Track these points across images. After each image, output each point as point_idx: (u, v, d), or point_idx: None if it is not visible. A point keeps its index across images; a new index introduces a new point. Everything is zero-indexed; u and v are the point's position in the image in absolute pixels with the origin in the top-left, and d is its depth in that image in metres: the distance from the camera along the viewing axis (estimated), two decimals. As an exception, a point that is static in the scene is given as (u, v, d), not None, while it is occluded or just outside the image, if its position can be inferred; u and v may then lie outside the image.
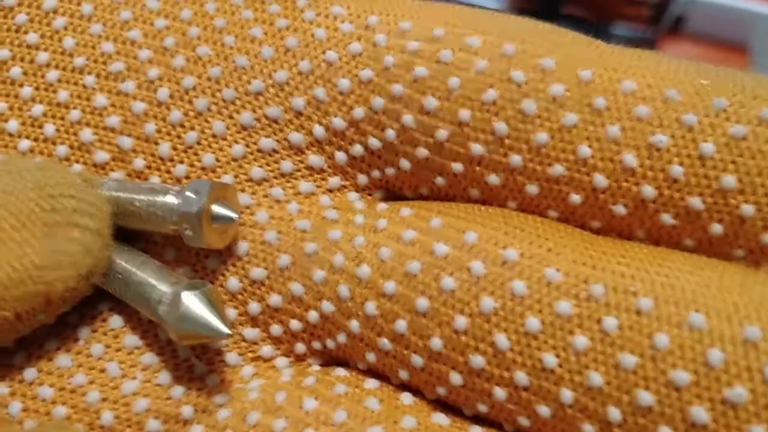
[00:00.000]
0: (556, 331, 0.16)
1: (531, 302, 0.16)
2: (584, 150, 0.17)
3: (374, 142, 0.19)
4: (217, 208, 0.18)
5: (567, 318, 0.16)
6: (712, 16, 0.49)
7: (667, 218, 0.17)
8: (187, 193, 0.18)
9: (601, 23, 0.48)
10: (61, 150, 0.20)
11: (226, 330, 0.17)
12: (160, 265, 0.19)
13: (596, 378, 0.16)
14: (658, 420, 0.15)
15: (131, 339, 0.19)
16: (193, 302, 0.17)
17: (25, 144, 0.20)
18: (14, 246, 0.17)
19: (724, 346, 0.15)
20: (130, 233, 0.19)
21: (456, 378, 0.17)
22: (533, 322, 0.16)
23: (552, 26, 0.19)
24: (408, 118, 0.18)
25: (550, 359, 0.16)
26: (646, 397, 0.15)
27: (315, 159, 0.19)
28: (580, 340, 0.16)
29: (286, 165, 0.19)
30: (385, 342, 0.18)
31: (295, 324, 0.19)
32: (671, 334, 0.15)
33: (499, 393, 0.17)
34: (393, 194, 0.20)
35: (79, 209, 0.18)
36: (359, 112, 0.19)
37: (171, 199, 0.18)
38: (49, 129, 0.20)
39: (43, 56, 0.20)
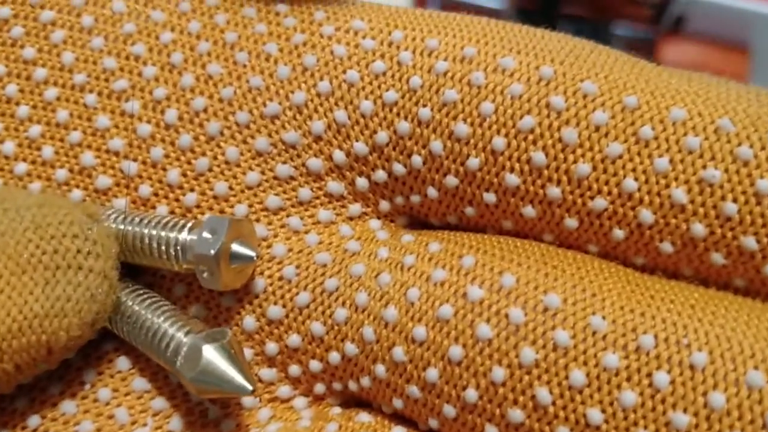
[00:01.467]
0: (603, 385, 0.15)
1: (575, 354, 0.15)
2: (630, 183, 0.16)
3: (399, 168, 0.18)
4: (235, 248, 0.17)
5: (614, 371, 0.15)
6: (712, 16, 0.48)
7: (717, 258, 0.16)
8: (204, 234, 0.16)
9: (601, 23, 0.47)
10: (61, 174, 0.18)
11: (249, 387, 0.16)
12: (173, 308, 0.17)
13: None
14: None
15: (140, 382, 0.18)
16: (213, 356, 0.16)
17: (22, 167, 0.19)
18: (14, 294, 0.16)
19: None
20: (135, 267, 0.18)
21: (490, 430, 0.16)
22: (578, 376, 0.15)
23: (592, 44, 0.18)
24: (437, 145, 0.17)
25: (595, 415, 0.15)
26: None
27: (335, 186, 0.18)
28: (629, 396, 0.15)
29: (304, 192, 0.18)
30: (414, 390, 0.16)
31: (315, 365, 0.18)
32: (728, 394, 0.14)
33: None
34: (417, 221, 0.19)
35: (83, 250, 0.17)
36: (383, 136, 0.18)
37: (185, 236, 0.17)
38: (48, 151, 0.19)
39: (40, 72, 0.19)
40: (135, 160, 0.18)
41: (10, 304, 0.16)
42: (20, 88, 0.19)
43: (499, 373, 0.16)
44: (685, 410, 0.14)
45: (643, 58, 0.18)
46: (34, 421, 0.17)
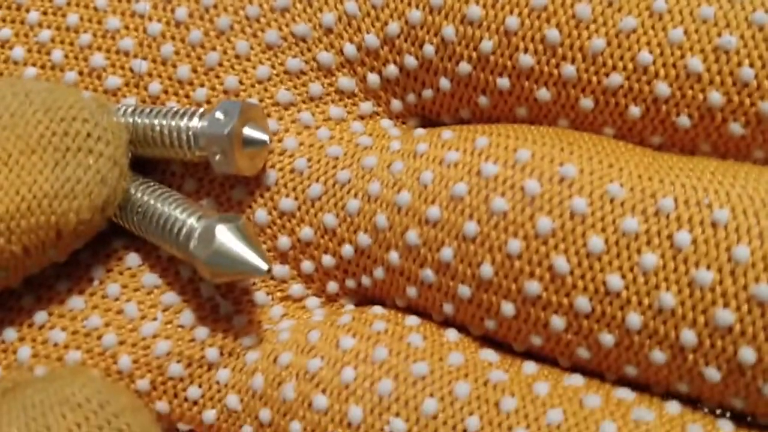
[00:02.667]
0: (622, 250, 0.15)
1: (593, 221, 0.15)
2: (645, 56, 0.16)
3: (410, 61, 0.17)
4: (248, 131, 0.16)
5: (634, 236, 0.14)
6: None
7: (736, 127, 0.15)
8: (216, 114, 0.16)
9: None
10: (70, 76, 0.18)
11: (264, 266, 0.16)
12: (183, 197, 0.17)
13: (668, 299, 0.14)
14: (739, 340, 0.14)
15: (150, 277, 0.17)
16: (227, 237, 0.16)
17: (31, 71, 0.19)
18: (23, 173, 0.16)
19: None
20: (144, 164, 0.18)
21: (508, 308, 0.15)
22: (596, 242, 0.15)
23: None
24: (449, 30, 0.17)
25: (615, 281, 0.14)
26: (725, 316, 0.14)
27: (345, 81, 0.18)
28: (649, 259, 0.14)
29: (315, 88, 0.18)
30: (428, 273, 0.16)
31: (327, 260, 0.17)
32: (752, 246, 0.14)
33: (557, 322, 0.15)
34: (429, 121, 0.18)
35: (93, 134, 0.16)
36: (394, 27, 0.17)
37: (196, 122, 0.17)
38: (57, 55, 0.18)
39: None
40: (145, 58, 0.18)
41: (19, 183, 0.16)
42: None
43: (514, 245, 0.15)
44: (708, 267, 0.14)
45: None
46: (40, 317, 0.17)
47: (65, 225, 0.16)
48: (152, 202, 0.17)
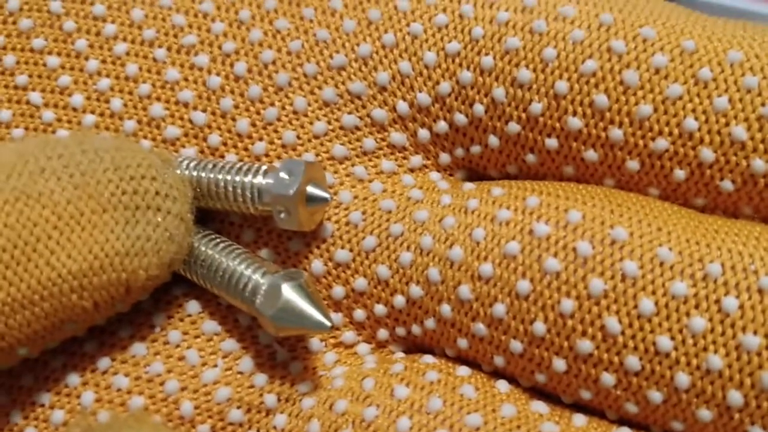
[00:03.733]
0: (672, 313, 0.15)
1: (644, 283, 0.16)
2: (690, 123, 0.16)
3: (460, 118, 0.18)
4: (311, 189, 0.17)
5: (683, 299, 0.15)
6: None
7: None
8: (281, 174, 0.17)
9: None
10: (129, 125, 0.19)
11: (329, 323, 0.16)
12: (246, 251, 0.18)
13: (716, 361, 0.15)
14: None
15: (210, 325, 0.18)
16: (292, 295, 0.16)
17: (90, 119, 0.19)
18: (95, 232, 0.16)
19: None
20: (204, 214, 0.19)
21: (560, 364, 0.16)
22: (647, 304, 0.15)
23: None
24: (499, 92, 0.18)
25: (665, 342, 0.15)
26: None
27: (397, 136, 0.19)
28: (698, 322, 0.15)
29: (369, 143, 0.19)
30: (480, 327, 0.17)
31: (380, 309, 0.18)
32: None
33: (608, 379, 0.16)
34: (476, 174, 0.19)
35: (161, 192, 0.17)
36: (446, 86, 0.18)
37: (261, 180, 0.17)
38: (117, 103, 0.19)
39: (110, 28, 0.20)
40: (204, 111, 0.19)
41: (92, 242, 0.16)
42: (90, 43, 0.20)
43: (567, 304, 0.16)
44: (755, 332, 0.15)
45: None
46: (104, 363, 0.18)
47: (134, 281, 0.17)
48: (216, 255, 0.18)
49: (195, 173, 0.18)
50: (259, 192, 0.17)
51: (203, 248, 0.18)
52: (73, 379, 0.18)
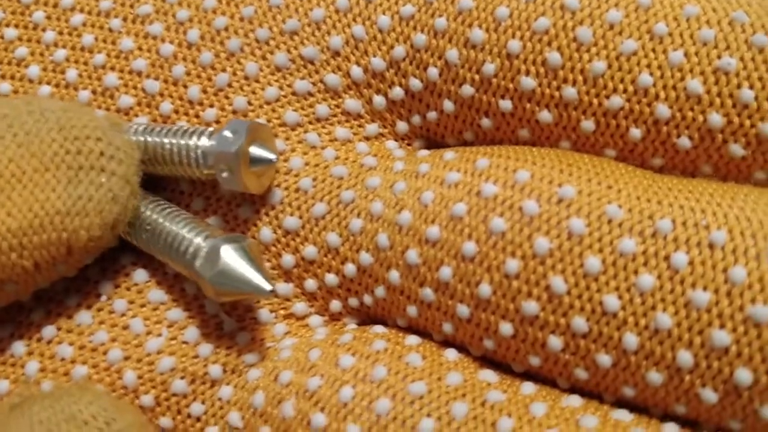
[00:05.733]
0: (619, 271, 0.15)
1: (590, 241, 0.15)
2: (645, 78, 0.16)
3: (415, 83, 0.18)
4: (255, 150, 0.17)
5: (631, 256, 0.15)
6: None
7: (736, 149, 0.16)
8: (225, 133, 0.17)
9: None
10: (84, 95, 0.19)
11: (268, 287, 0.16)
12: (192, 216, 0.17)
13: (665, 319, 0.14)
14: (735, 362, 0.14)
15: (156, 294, 0.18)
16: (232, 257, 0.16)
17: (45, 90, 0.19)
18: (36, 190, 0.16)
19: None
20: (153, 182, 0.18)
21: (506, 328, 0.15)
22: (593, 263, 0.15)
23: None
24: (452, 54, 0.17)
25: (612, 302, 0.14)
26: (722, 337, 0.14)
27: (352, 103, 0.18)
28: (646, 280, 0.14)
29: (322, 109, 0.18)
30: (428, 292, 0.16)
31: (330, 278, 0.17)
32: (749, 267, 0.14)
33: (555, 342, 0.15)
34: (434, 143, 0.19)
35: (106, 153, 0.17)
36: (400, 50, 0.18)
37: (205, 141, 0.17)
38: (72, 74, 0.19)
39: (67, 0, 0.19)
40: (157, 79, 0.19)
41: (33, 200, 0.16)
42: (47, 14, 0.19)
43: (512, 264, 0.15)
44: (705, 288, 0.14)
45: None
46: (49, 331, 0.17)
47: (76, 242, 0.16)
48: (161, 220, 0.17)
49: (143, 137, 0.18)
50: (203, 153, 0.17)
51: (149, 213, 0.17)
52: (19, 348, 0.17)
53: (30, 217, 0.16)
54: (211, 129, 0.17)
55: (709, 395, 0.14)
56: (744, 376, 0.14)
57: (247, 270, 0.16)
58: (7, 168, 0.16)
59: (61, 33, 0.19)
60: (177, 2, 0.19)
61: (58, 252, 0.16)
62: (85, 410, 0.15)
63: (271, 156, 0.17)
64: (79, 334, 0.17)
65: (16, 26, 0.20)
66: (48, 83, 0.19)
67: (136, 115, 0.19)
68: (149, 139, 0.18)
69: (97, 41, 0.19)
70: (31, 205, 0.16)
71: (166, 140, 0.17)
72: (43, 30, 0.19)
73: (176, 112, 0.18)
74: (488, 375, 0.16)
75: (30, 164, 0.16)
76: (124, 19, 0.19)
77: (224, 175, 0.17)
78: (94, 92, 0.19)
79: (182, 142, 0.17)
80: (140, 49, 0.19)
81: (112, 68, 0.19)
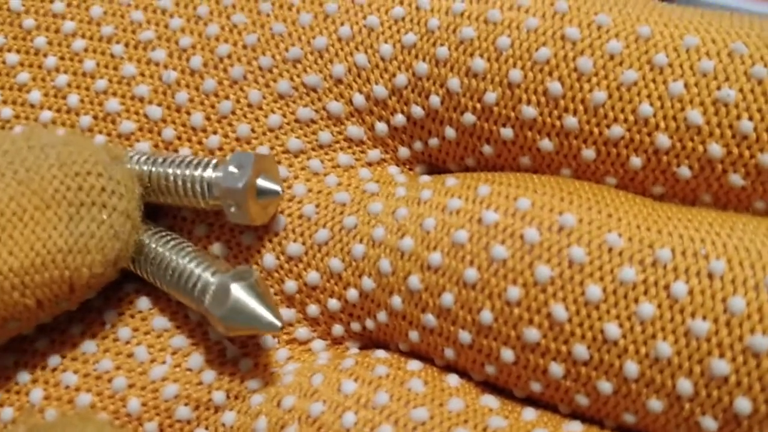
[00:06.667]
0: (620, 299, 0.15)
1: (591, 270, 0.15)
2: (645, 108, 0.16)
3: (417, 111, 0.18)
4: (261, 183, 0.17)
5: (631, 285, 0.15)
6: None
7: (736, 179, 0.16)
8: (231, 168, 0.17)
9: None
10: (85, 120, 0.19)
11: (278, 324, 0.16)
12: (197, 249, 0.18)
13: (665, 348, 0.14)
14: (735, 391, 0.14)
15: (160, 321, 0.18)
16: (242, 294, 0.16)
17: (47, 115, 0.19)
18: (38, 228, 0.16)
19: None
20: (155, 210, 0.18)
21: (508, 354, 0.16)
22: (594, 291, 0.15)
23: None
24: (454, 82, 0.17)
25: (612, 330, 0.15)
26: (721, 366, 0.14)
27: (354, 130, 0.18)
28: (646, 308, 0.14)
29: (325, 136, 0.18)
30: (429, 318, 0.16)
31: (333, 303, 0.18)
32: (748, 298, 0.14)
33: (556, 369, 0.15)
34: (436, 168, 0.19)
35: (107, 189, 0.17)
36: (402, 79, 0.18)
37: (210, 173, 0.17)
38: (73, 99, 0.19)
39: (69, 25, 0.20)
40: (159, 105, 0.19)
41: (34, 239, 0.16)
42: (49, 40, 0.20)
43: (513, 292, 0.15)
44: (704, 317, 0.14)
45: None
46: (54, 360, 0.18)
47: (78, 279, 0.16)
48: (166, 253, 0.17)
49: (146, 167, 0.18)
50: (209, 186, 0.17)
51: (153, 245, 0.17)
52: (23, 376, 0.18)
53: (32, 255, 0.16)
54: (215, 160, 0.17)
55: (709, 423, 0.14)
56: (743, 405, 0.14)
57: (257, 307, 0.16)
58: (8, 206, 0.16)
59: (62, 58, 0.19)
60: (180, 29, 0.19)
61: (61, 290, 0.16)
62: None
63: (277, 188, 0.17)
64: (84, 362, 0.18)
65: (18, 51, 0.20)
66: (49, 108, 0.19)
67: (138, 140, 0.19)
68: (153, 169, 0.18)
69: (99, 67, 0.19)
70: (33, 243, 0.16)
71: (169, 170, 0.17)
72: (45, 56, 0.20)
73: (179, 138, 0.19)
74: (490, 400, 0.16)
75: (31, 202, 0.16)
76: (126, 45, 0.19)
77: (231, 209, 0.17)
78: (95, 117, 0.19)
79: (186, 172, 0.17)
80: (142, 75, 0.19)
81: (114, 94, 0.19)
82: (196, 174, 0.17)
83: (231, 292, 0.16)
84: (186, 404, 0.17)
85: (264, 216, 0.17)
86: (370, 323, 0.17)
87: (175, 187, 0.17)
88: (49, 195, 0.16)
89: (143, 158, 0.18)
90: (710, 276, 0.14)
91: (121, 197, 0.17)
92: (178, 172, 0.17)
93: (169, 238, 0.18)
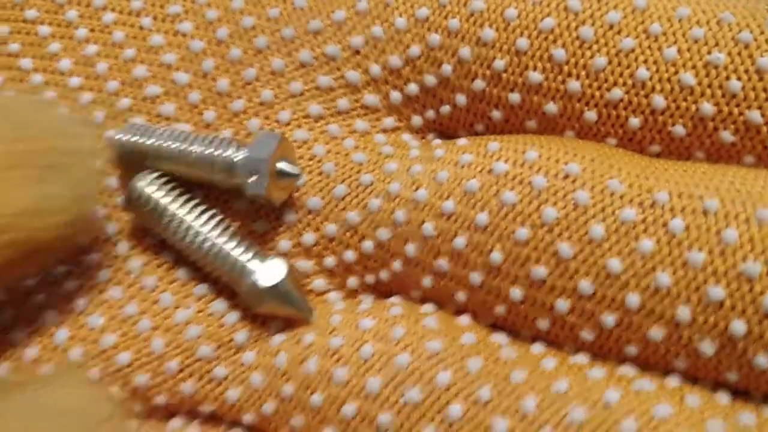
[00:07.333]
0: (621, 237, 0.16)
1: (594, 211, 0.16)
2: (642, 72, 0.17)
3: (430, 79, 0.19)
4: (282, 165, 0.18)
5: (632, 224, 0.16)
6: None
7: (726, 135, 0.17)
8: (257, 143, 0.18)
9: None
10: (112, 85, 0.20)
11: (310, 311, 0.18)
12: (233, 228, 0.19)
13: (664, 278, 0.15)
14: (729, 315, 0.15)
15: (185, 271, 0.19)
16: (277, 282, 0.18)
17: (75, 81, 0.20)
18: (2, 190, 0.16)
19: None
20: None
21: (516, 293, 0.17)
22: (597, 230, 0.16)
23: None
24: (465, 51, 0.19)
25: (615, 264, 0.16)
26: (717, 292, 0.15)
27: (371, 98, 0.20)
28: (646, 244, 0.16)
29: (343, 103, 0.20)
30: (442, 263, 0.17)
31: (349, 255, 0.19)
32: (740, 230, 0.15)
33: (562, 305, 0.16)
34: (446, 136, 0.20)
35: (70, 151, 0.17)
36: (415, 50, 0.19)
37: (235, 152, 0.18)
38: (102, 66, 0.20)
39: (100, 0, 0.21)
40: (186, 72, 0.20)
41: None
42: (80, 13, 0.21)
43: (522, 233, 0.17)
44: (700, 249, 0.15)
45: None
46: (81, 303, 0.18)
47: (42, 241, 0.17)
48: (203, 230, 0.18)
49: (150, 140, 0.19)
50: (233, 159, 0.18)
51: (188, 217, 0.19)
52: (51, 317, 0.18)
53: None
54: (237, 143, 0.19)
55: (707, 348, 0.15)
56: (739, 327, 0.15)
57: (291, 295, 0.18)
58: None
59: (92, 30, 0.21)
60: (206, 3, 0.20)
61: (25, 251, 0.17)
62: (61, 401, 0.16)
63: (296, 170, 0.18)
64: (110, 307, 0.18)
65: (50, 24, 0.21)
66: (78, 75, 0.20)
67: (162, 104, 0.20)
68: (170, 144, 0.19)
69: (128, 38, 0.21)
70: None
71: (192, 148, 0.19)
72: (76, 28, 0.21)
73: (204, 102, 0.20)
74: (500, 337, 0.17)
75: None
76: (155, 18, 0.21)
77: (250, 180, 0.18)
78: (122, 83, 0.20)
79: (210, 151, 0.19)
80: (170, 45, 0.20)
81: (142, 61, 0.20)
82: (220, 150, 0.18)
83: (263, 281, 0.18)
84: (208, 343, 0.18)
85: (281, 196, 0.19)
86: (384, 274, 0.18)
87: (197, 162, 0.19)
88: (16, 157, 0.17)
89: (162, 132, 0.19)
90: (705, 213, 0.16)
91: (84, 161, 0.17)
92: (201, 149, 0.19)
93: (205, 213, 0.19)
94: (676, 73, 0.17)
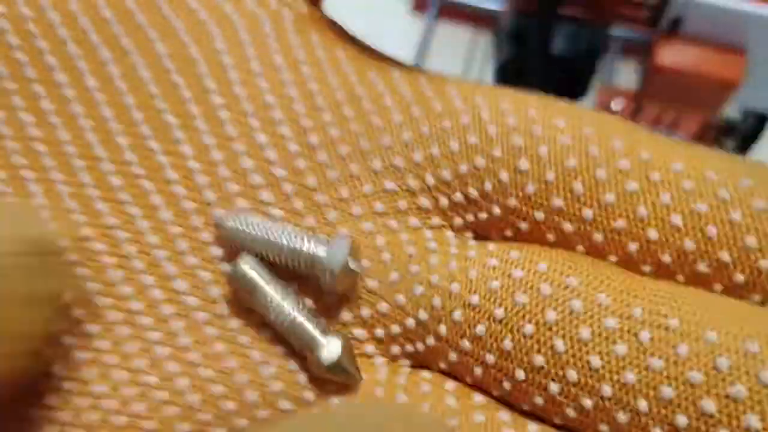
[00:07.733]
0: (603, 340, 0.21)
1: (585, 318, 0.21)
2: (642, 210, 0.22)
3: (473, 192, 0.24)
4: (350, 263, 0.23)
5: (612, 331, 0.20)
6: (709, 18, 0.48)
7: (702, 267, 0.21)
8: (333, 245, 0.23)
9: (598, 25, 0.49)
10: (224, 172, 0.25)
11: (358, 380, 0.23)
12: (308, 307, 0.24)
13: (630, 376, 0.20)
14: (676, 410, 0.19)
15: (269, 333, 0.24)
16: (336, 359, 0.22)
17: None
18: None
19: (730, 355, 0.19)
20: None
21: (520, 374, 0.21)
22: (585, 333, 0.21)
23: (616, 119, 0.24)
24: (504, 175, 0.24)
25: (596, 361, 0.20)
26: (667, 392, 0.19)
27: (424, 201, 0.25)
28: (621, 348, 0.20)
29: (402, 204, 0.25)
30: (466, 343, 0.22)
31: (395, 328, 0.24)
32: (691, 346, 0.20)
33: (554, 387, 0.21)
34: (481, 236, 0.25)
35: (35, 271, 0.17)
36: (464, 167, 0.24)
37: (314, 249, 0.23)
38: (217, 156, 0.26)
39: (218, 100, 0.26)
40: (284, 168, 0.25)
41: None
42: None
43: (528, 328, 0.21)
44: (660, 357, 0.20)
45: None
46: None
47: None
48: (286, 309, 0.23)
49: (249, 229, 0.24)
50: (314, 258, 0.23)
51: (276, 296, 0.23)
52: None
53: None
54: (318, 237, 0.24)
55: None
56: (682, 421, 0.19)
57: (348, 367, 0.23)
58: None
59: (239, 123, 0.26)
60: (303, 114, 0.26)
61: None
62: None
63: (359, 269, 0.23)
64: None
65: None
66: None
67: (263, 192, 0.25)
68: (263, 234, 0.24)
69: (240, 135, 0.26)
70: None
71: (282, 241, 0.24)
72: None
73: (296, 194, 0.25)
74: (505, 416, 0.22)
75: None
76: (261, 120, 0.26)
77: (327, 276, 0.23)
78: (235, 171, 0.26)
79: (296, 246, 0.23)
80: (271, 144, 0.26)
81: (249, 155, 0.26)
82: (304, 247, 0.23)
83: (329, 357, 0.22)
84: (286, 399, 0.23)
85: (347, 285, 0.23)
86: (420, 345, 0.23)
87: (286, 252, 0.24)
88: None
89: (252, 221, 0.24)
90: (666, 329, 0.20)
91: (42, 284, 0.17)
92: (289, 244, 0.24)
93: (288, 290, 0.24)
94: (669, 214, 0.22)
